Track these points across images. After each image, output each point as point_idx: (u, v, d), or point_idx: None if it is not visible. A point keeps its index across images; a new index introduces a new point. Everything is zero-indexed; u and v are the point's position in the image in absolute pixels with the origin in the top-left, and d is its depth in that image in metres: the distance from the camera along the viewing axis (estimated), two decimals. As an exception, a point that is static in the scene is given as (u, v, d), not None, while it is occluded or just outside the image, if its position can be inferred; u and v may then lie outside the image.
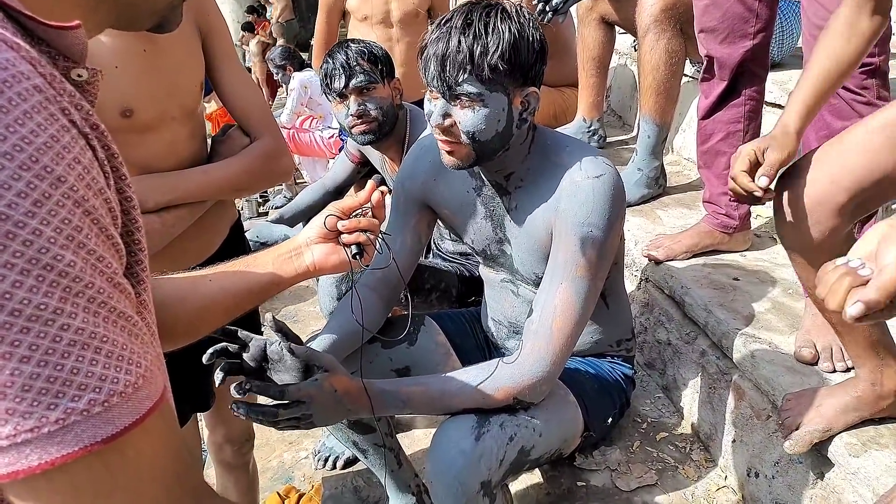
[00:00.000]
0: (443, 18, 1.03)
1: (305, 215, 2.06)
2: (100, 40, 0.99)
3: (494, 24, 0.99)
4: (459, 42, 0.99)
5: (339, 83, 1.64)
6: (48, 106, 0.35)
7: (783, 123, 1.09)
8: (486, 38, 0.99)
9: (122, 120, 1.02)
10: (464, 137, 1.05)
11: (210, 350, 0.95)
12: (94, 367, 0.35)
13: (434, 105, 1.05)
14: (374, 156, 1.94)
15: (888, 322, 1.07)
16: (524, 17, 1.03)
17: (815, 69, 1.09)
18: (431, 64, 1.01)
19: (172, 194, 1.07)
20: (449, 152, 1.08)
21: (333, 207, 0.92)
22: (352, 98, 1.65)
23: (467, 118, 1.03)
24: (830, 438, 1.14)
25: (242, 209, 4.68)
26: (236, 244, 1.32)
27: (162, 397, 0.40)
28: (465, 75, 1.00)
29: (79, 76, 0.41)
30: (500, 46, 0.99)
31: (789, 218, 1.05)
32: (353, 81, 1.61)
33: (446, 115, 1.04)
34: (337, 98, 1.69)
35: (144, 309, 0.46)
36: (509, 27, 1.00)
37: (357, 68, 1.59)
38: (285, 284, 0.90)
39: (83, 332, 0.35)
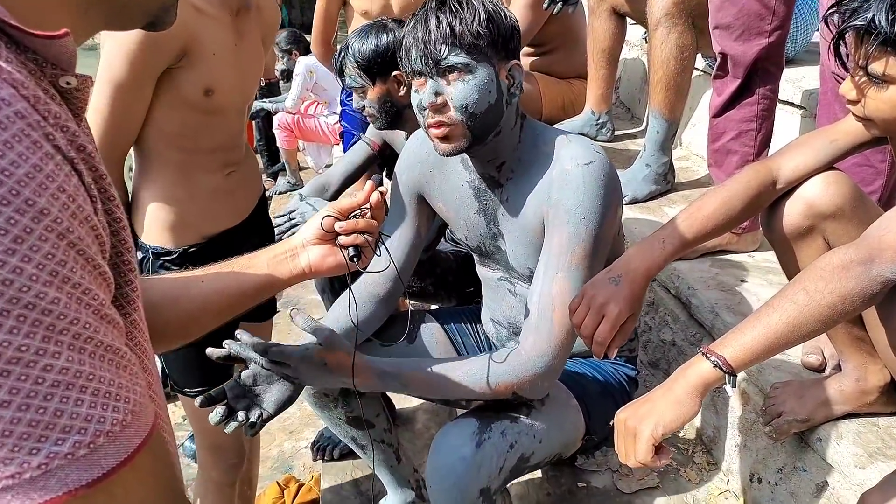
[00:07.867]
0: (415, 11, 1.06)
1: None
2: (207, 28, 1.17)
3: (468, 1, 1.03)
4: (438, 18, 1.02)
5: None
6: (31, 133, 0.33)
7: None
8: (463, 12, 1.02)
9: (203, 98, 1.21)
10: (457, 114, 1.04)
11: (199, 401, 0.97)
12: (79, 408, 0.34)
13: (422, 91, 1.05)
14: (398, 140, 1.93)
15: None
16: None
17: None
18: (413, 48, 1.04)
19: None
20: (443, 138, 1.06)
21: (331, 208, 0.90)
22: (354, 93, 1.71)
23: (458, 91, 1.03)
24: (835, 443, 1.13)
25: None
26: (261, 218, 1.50)
27: (152, 429, 0.39)
28: (450, 47, 1.01)
29: (67, 83, 0.40)
30: (478, 16, 1.02)
31: None
32: (346, 83, 1.69)
33: (437, 93, 1.04)
34: None
35: (135, 329, 0.45)
36: (482, 2, 1.04)
37: (347, 72, 1.65)
38: (280, 286, 0.89)
39: (67, 372, 0.34)
